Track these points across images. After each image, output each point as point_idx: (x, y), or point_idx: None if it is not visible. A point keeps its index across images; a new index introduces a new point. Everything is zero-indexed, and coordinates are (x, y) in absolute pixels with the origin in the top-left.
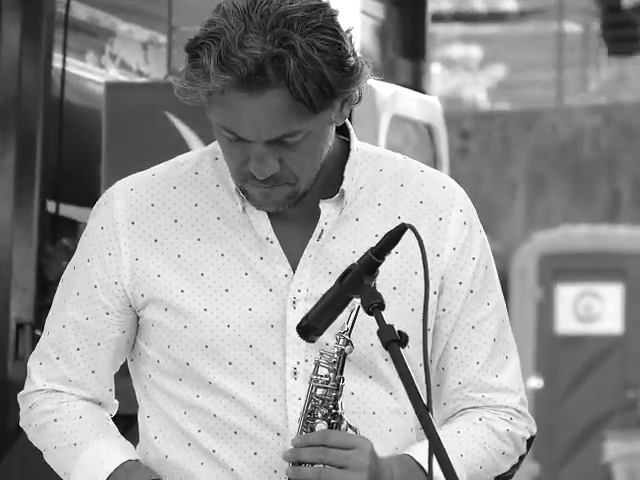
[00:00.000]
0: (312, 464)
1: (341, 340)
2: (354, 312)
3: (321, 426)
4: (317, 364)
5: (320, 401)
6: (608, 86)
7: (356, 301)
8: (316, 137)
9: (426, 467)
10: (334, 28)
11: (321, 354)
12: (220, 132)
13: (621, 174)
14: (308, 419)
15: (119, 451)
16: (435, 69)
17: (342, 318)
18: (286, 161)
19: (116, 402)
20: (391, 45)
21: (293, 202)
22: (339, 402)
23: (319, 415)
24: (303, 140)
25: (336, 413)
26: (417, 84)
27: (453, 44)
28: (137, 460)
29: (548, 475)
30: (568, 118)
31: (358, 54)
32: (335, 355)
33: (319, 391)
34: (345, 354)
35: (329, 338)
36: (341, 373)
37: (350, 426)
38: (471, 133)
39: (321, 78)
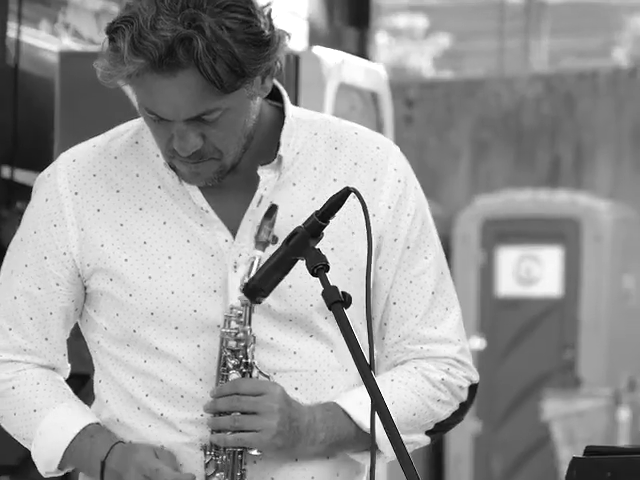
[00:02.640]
0: (228, 413)
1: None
2: (254, 264)
3: (234, 376)
4: (227, 319)
5: (231, 352)
6: (551, 55)
7: (257, 254)
8: (236, 113)
9: (351, 413)
10: (245, 6)
11: (230, 309)
12: (144, 112)
13: (562, 141)
14: (223, 371)
15: (79, 416)
16: (381, 38)
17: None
18: (208, 137)
19: (69, 366)
20: (338, 14)
21: (222, 176)
22: (249, 352)
23: (231, 366)
24: (222, 116)
25: (247, 362)
26: (363, 52)
27: (399, 13)
28: (98, 423)
29: (489, 433)
30: (510, 87)
31: (276, 27)
32: (241, 308)
33: (230, 343)
34: (250, 306)
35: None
36: (249, 324)
37: (262, 373)
38: (416, 101)
39: (231, 58)
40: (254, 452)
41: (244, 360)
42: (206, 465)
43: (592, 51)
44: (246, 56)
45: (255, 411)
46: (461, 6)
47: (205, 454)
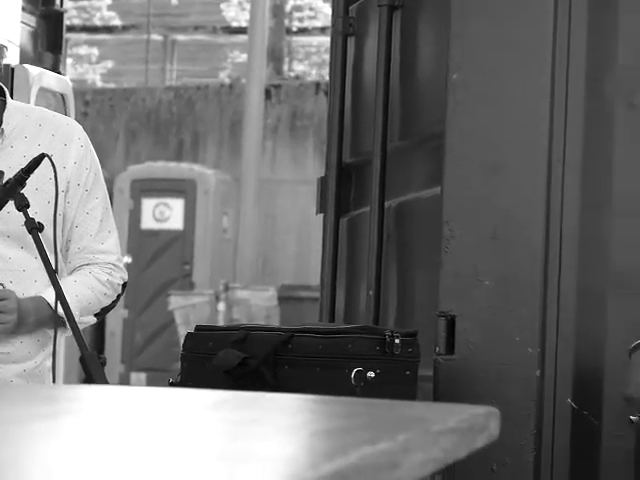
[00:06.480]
0: None
1: None
2: None
3: None
4: None
5: None
6: (182, 73)
7: None
8: None
9: (50, 302)
10: None
11: None
12: None
13: (185, 130)
14: None
15: None
16: (69, 61)
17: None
18: None
19: None
20: (40, 43)
21: None
22: None
23: None
24: None
25: None
26: (56, 69)
27: (80, 45)
28: None
29: (133, 317)
30: (152, 94)
31: None
32: None
33: None
34: None
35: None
36: None
37: (1, 284)
38: (90, 102)
39: None
40: None
41: None
42: None
43: (206, 72)
44: None
45: (1, 311)
46: (121, 42)
47: None
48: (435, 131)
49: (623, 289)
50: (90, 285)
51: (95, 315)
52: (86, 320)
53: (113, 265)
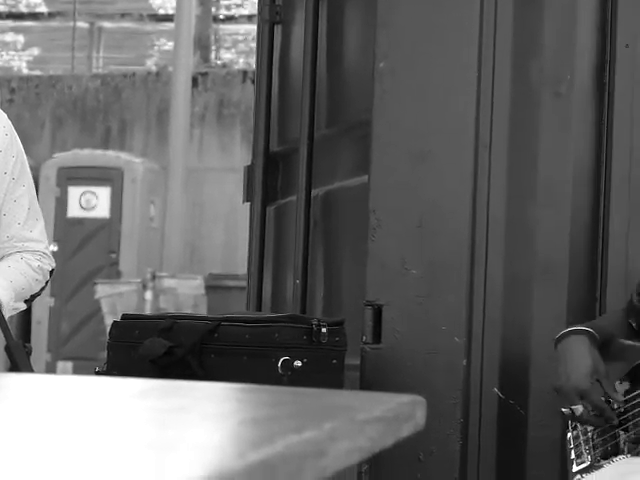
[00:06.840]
0: None
1: None
2: None
3: None
4: None
5: None
6: (109, 60)
7: None
8: None
9: None
10: None
11: None
12: None
13: (111, 118)
14: None
15: None
16: None
17: None
18: None
19: None
20: None
21: None
22: None
23: None
24: None
25: None
26: None
27: (6, 32)
28: None
29: (60, 305)
30: (79, 82)
31: None
32: None
33: None
34: None
35: None
36: None
37: None
38: (16, 89)
39: None
40: None
41: None
42: None
43: (132, 60)
44: None
45: None
46: (47, 27)
47: None
48: (362, 119)
49: (549, 276)
50: (23, 271)
51: (25, 301)
52: (17, 306)
53: (42, 253)
